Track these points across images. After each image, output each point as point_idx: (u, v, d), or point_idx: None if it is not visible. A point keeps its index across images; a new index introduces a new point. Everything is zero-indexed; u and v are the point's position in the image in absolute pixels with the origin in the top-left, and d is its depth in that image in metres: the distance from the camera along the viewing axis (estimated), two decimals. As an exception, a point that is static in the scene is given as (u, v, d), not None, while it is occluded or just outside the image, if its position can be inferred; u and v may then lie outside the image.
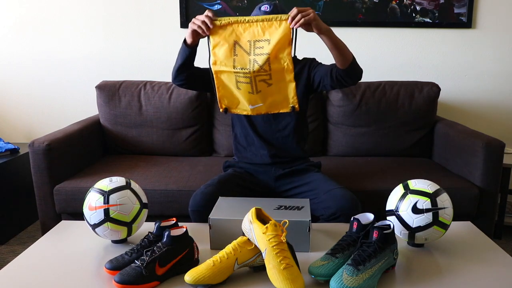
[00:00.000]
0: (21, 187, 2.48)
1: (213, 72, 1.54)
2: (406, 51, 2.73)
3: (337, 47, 1.56)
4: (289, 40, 1.47)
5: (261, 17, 1.47)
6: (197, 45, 1.62)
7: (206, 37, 1.53)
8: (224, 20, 1.50)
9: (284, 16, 1.46)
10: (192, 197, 1.65)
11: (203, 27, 1.48)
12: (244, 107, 1.60)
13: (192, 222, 1.62)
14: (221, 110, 1.61)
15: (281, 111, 1.60)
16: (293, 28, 1.45)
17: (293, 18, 1.44)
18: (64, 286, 1.13)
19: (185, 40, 1.60)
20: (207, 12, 1.50)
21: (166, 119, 2.47)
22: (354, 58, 1.61)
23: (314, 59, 1.84)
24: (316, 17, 1.46)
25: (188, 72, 1.70)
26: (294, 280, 1.06)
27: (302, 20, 1.42)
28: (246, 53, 1.49)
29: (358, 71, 1.64)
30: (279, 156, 1.83)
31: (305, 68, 1.80)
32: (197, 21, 1.49)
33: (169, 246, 1.16)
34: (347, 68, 1.60)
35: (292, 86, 1.53)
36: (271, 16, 1.47)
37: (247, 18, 1.49)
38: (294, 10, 1.44)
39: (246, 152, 1.87)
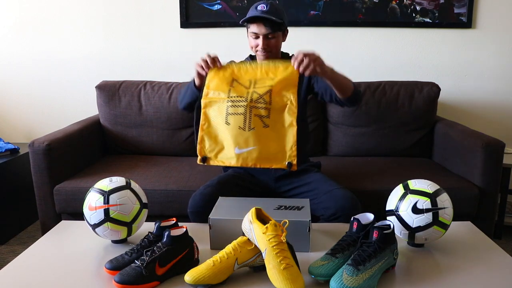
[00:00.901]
0: (21, 187, 2.48)
1: (202, 106, 1.41)
2: (406, 51, 2.73)
3: (339, 84, 1.54)
4: (295, 82, 1.36)
5: (266, 62, 1.41)
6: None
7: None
8: (226, 63, 1.42)
9: (290, 64, 1.37)
10: (191, 198, 1.65)
11: (203, 64, 1.44)
12: (229, 153, 1.36)
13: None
14: (198, 159, 1.40)
15: (273, 167, 1.37)
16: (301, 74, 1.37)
17: (300, 63, 1.36)
18: (64, 286, 1.13)
19: (194, 81, 1.58)
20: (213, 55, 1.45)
21: (166, 119, 2.47)
22: (354, 87, 1.60)
23: None
24: (322, 61, 1.40)
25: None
26: (294, 280, 1.06)
27: (312, 66, 1.35)
28: (244, 88, 1.37)
29: (358, 98, 1.65)
30: None
31: None
32: (200, 60, 1.45)
33: (169, 246, 1.16)
34: (348, 98, 1.61)
35: (292, 132, 1.33)
36: (277, 61, 1.39)
37: (250, 62, 1.40)
38: (299, 56, 1.36)
39: None
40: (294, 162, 1.33)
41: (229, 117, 1.35)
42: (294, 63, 1.39)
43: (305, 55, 1.37)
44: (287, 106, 1.34)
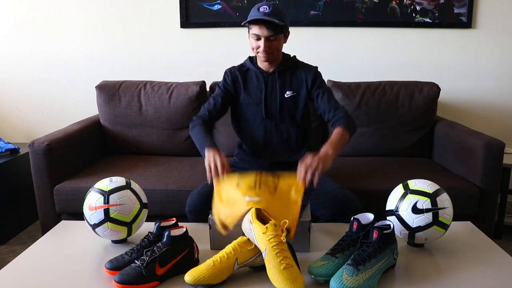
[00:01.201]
0: (21, 187, 2.48)
1: (214, 189, 1.43)
2: (406, 51, 2.73)
3: (342, 151, 1.62)
4: (302, 191, 1.39)
5: (272, 175, 1.42)
6: None
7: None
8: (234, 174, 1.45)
9: (296, 178, 1.40)
10: (189, 197, 1.65)
11: (213, 171, 1.45)
12: (241, 205, 1.32)
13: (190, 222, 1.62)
14: (221, 230, 1.32)
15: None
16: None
17: (304, 179, 1.38)
18: (64, 286, 1.13)
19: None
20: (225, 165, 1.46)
21: (166, 119, 2.47)
22: (350, 134, 1.65)
23: (318, 73, 1.80)
24: (320, 165, 1.40)
25: None
26: (294, 280, 1.06)
27: (316, 177, 1.38)
28: (254, 174, 1.42)
29: (354, 132, 1.72)
30: (281, 163, 1.83)
31: (308, 79, 1.77)
32: (213, 164, 1.46)
33: (169, 246, 1.16)
34: None
35: (296, 208, 1.33)
36: (286, 174, 1.42)
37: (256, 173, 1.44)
38: (301, 170, 1.38)
39: (247, 160, 1.88)
40: (294, 226, 1.29)
41: (240, 181, 1.40)
42: (299, 177, 1.39)
43: (306, 168, 1.38)
44: (294, 187, 1.38)
